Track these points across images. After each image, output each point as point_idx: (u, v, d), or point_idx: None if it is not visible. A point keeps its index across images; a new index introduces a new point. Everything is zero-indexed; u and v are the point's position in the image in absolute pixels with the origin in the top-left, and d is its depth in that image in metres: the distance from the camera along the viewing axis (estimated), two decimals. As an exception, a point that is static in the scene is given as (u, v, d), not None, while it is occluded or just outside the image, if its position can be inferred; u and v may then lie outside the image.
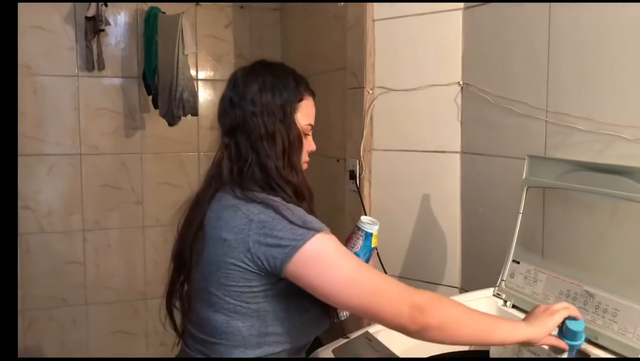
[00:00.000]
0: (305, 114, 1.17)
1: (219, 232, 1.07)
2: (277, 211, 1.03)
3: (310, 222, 1.03)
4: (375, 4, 1.82)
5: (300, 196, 1.13)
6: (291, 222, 1.01)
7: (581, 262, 1.19)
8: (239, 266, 1.04)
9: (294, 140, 1.14)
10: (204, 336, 1.12)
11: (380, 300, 1.00)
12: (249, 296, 1.06)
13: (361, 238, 1.23)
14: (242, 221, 1.04)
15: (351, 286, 1.00)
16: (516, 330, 1.01)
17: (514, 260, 1.30)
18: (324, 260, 1.01)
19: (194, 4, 2.97)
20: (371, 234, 1.24)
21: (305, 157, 1.19)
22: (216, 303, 1.09)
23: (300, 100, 1.17)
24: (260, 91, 1.13)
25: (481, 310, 1.06)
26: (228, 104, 1.15)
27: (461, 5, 1.67)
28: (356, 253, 1.21)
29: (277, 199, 1.07)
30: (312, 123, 1.20)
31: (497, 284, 1.30)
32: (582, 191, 1.17)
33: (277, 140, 1.11)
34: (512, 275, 1.29)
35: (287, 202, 1.08)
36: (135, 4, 2.87)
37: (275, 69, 1.19)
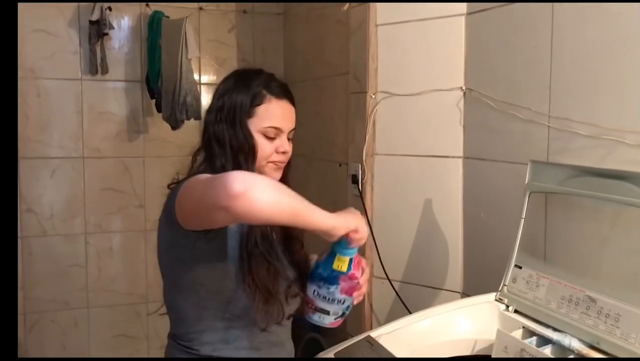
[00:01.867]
0: (265, 117, 1.21)
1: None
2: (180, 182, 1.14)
3: (200, 173, 1.13)
4: (379, 10, 1.83)
5: None
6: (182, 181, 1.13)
7: (583, 267, 1.19)
8: (164, 236, 1.17)
9: (243, 144, 1.18)
10: (171, 318, 1.25)
11: (203, 197, 0.99)
12: (180, 266, 1.16)
13: (326, 252, 1.12)
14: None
15: (185, 193, 1.06)
16: (326, 216, 1.02)
17: (516, 265, 1.29)
18: (185, 187, 1.07)
19: (198, 8, 2.98)
20: (334, 254, 1.10)
21: (273, 158, 1.23)
22: (166, 285, 1.22)
23: (258, 104, 1.21)
24: (218, 98, 1.22)
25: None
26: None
27: (464, 10, 1.67)
28: (316, 264, 1.12)
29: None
30: (277, 125, 1.22)
31: (499, 289, 1.30)
32: (585, 196, 1.17)
33: (225, 143, 1.19)
34: (514, 280, 1.28)
35: None
36: (139, 8, 2.89)
37: (242, 75, 1.26)
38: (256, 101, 1.21)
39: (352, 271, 1.11)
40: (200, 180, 1.03)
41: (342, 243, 1.08)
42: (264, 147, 1.21)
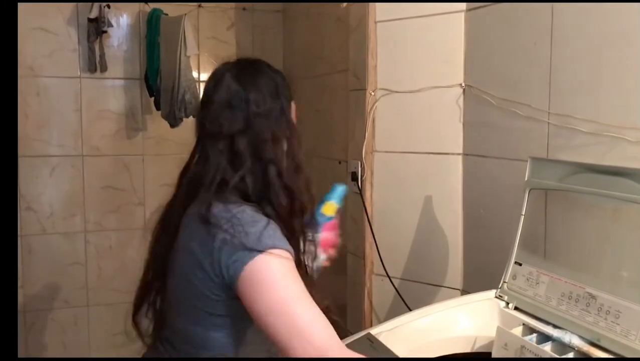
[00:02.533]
0: (295, 114, 1.17)
1: (190, 243, 1.05)
2: (237, 225, 0.99)
3: (266, 237, 0.98)
4: (378, 7, 1.82)
5: (296, 207, 1.07)
6: (246, 237, 0.98)
7: (583, 264, 1.19)
8: (207, 277, 1.02)
9: (299, 140, 1.12)
10: (183, 346, 1.11)
11: (296, 343, 0.91)
12: (221, 307, 1.04)
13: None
14: (209, 234, 1.01)
15: (274, 316, 0.94)
16: None
17: (516, 262, 1.29)
18: (263, 281, 0.95)
19: (197, 6, 2.98)
20: (324, 201, 1.33)
21: None
22: (192, 315, 1.07)
23: (292, 99, 1.16)
24: (261, 92, 1.09)
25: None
26: (222, 107, 1.09)
27: (463, 7, 1.67)
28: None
29: (249, 211, 1.02)
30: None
31: (499, 286, 1.30)
32: (585, 193, 1.17)
33: (282, 143, 1.09)
34: (514, 277, 1.28)
35: (270, 217, 1.03)
36: (137, 6, 2.88)
37: (266, 68, 1.15)
38: (291, 96, 1.15)
39: (334, 220, 1.34)
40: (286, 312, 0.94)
41: (331, 191, 1.35)
42: None
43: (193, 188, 1.10)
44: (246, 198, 1.06)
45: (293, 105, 1.16)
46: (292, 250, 1.02)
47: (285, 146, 1.09)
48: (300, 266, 1.05)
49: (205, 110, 1.12)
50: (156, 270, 1.19)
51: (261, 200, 1.05)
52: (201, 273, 1.02)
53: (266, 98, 1.09)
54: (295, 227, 1.07)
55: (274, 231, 1.01)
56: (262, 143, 1.06)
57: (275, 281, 0.96)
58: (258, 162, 1.06)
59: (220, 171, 1.06)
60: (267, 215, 1.04)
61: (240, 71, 1.13)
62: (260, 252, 0.96)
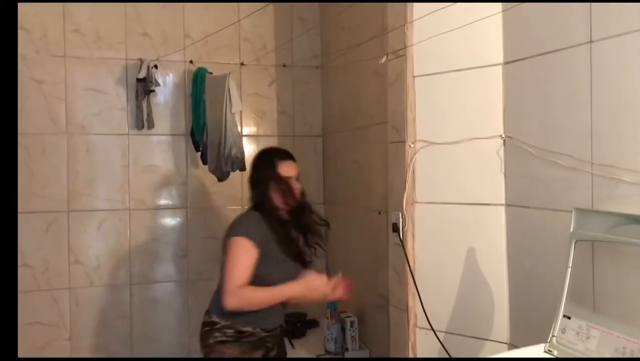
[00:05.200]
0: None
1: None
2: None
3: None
4: (415, 62, 1.86)
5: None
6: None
7: (636, 318, 1.15)
8: None
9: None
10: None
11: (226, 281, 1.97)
12: None
13: None
14: None
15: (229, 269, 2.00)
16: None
17: (564, 315, 1.27)
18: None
19: (239, 63, 3.09)
20: None
21: None
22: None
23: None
24: None
25: None
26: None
27: (501, 60, 1.69)
28: None
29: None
30: None
31: (548, 340, 1.27)
32: (632, 244, 1.15)
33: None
34: (563, 331, 1.25)
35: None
36: (183, 65, 3.01)
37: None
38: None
39: None
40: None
41: None
42: None
43: None
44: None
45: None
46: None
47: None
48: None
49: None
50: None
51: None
52: None
53: None
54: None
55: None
56: None
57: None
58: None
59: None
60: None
61: None
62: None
